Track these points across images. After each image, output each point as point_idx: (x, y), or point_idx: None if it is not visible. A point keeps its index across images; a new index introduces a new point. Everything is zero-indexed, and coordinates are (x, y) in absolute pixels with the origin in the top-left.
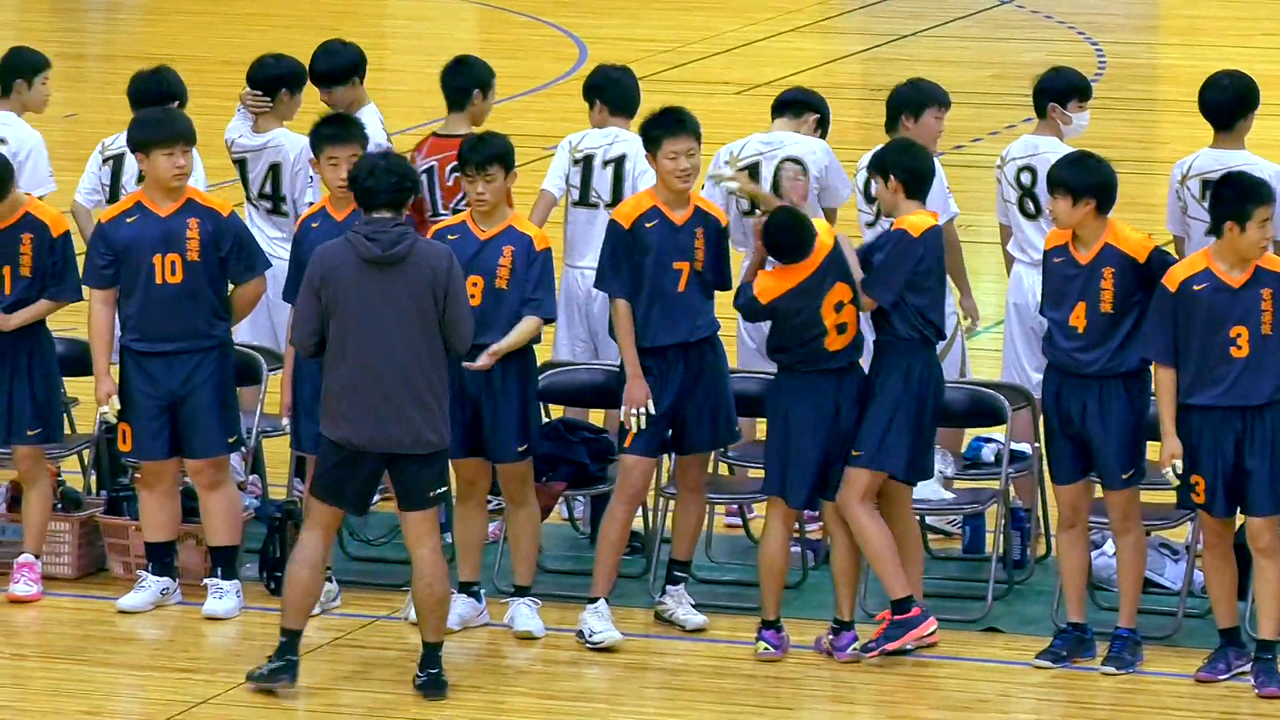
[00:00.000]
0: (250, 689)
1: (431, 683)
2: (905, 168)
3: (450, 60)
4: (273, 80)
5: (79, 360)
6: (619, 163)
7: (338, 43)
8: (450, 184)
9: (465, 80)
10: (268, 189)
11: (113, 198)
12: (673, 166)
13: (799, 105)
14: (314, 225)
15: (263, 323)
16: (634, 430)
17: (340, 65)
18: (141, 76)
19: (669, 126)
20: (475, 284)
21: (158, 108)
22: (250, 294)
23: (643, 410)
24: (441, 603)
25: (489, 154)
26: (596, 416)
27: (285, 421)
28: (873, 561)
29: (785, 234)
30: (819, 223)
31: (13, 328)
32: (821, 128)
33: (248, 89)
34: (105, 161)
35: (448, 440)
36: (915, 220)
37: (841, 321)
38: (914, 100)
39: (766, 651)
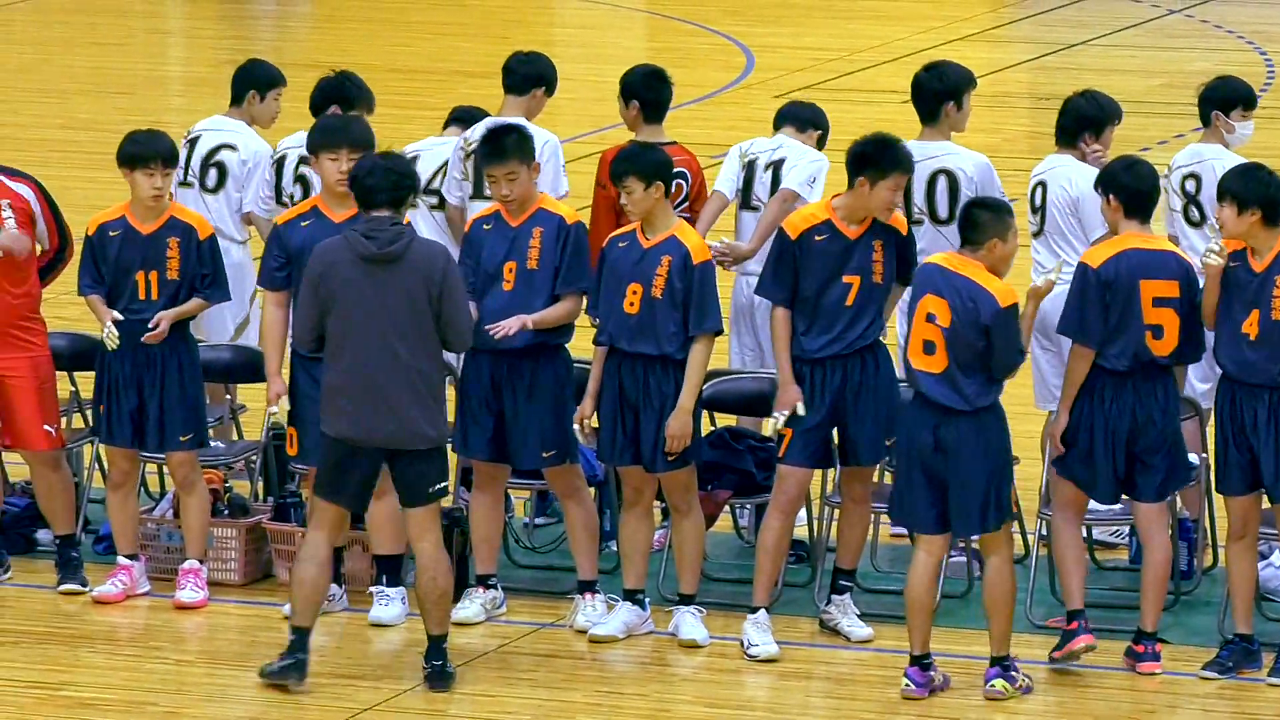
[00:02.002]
0: (262, 684)
1: (437, 674)
2: (1125, 187)
3: (653, 70)
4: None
5: (248, 366)
6: (778, 166)
7: (528, 54)
8: (672, 190)
9: (671, 91)
10: (436, 184)
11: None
12: (890, 199)
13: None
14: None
15: None
16: (779, 430)
17: (526, 74)
18: (324, 80)
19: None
20: (635, 291)
21: (339, 114)
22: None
23: (788, 412)
24: (444, 597)
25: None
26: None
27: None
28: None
29: None
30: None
31: (168, 322)
32: (821, 144)
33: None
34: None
35: (446, 436)
36: (1094, 252)
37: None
38: (1097, 117)
39: (908, 689)
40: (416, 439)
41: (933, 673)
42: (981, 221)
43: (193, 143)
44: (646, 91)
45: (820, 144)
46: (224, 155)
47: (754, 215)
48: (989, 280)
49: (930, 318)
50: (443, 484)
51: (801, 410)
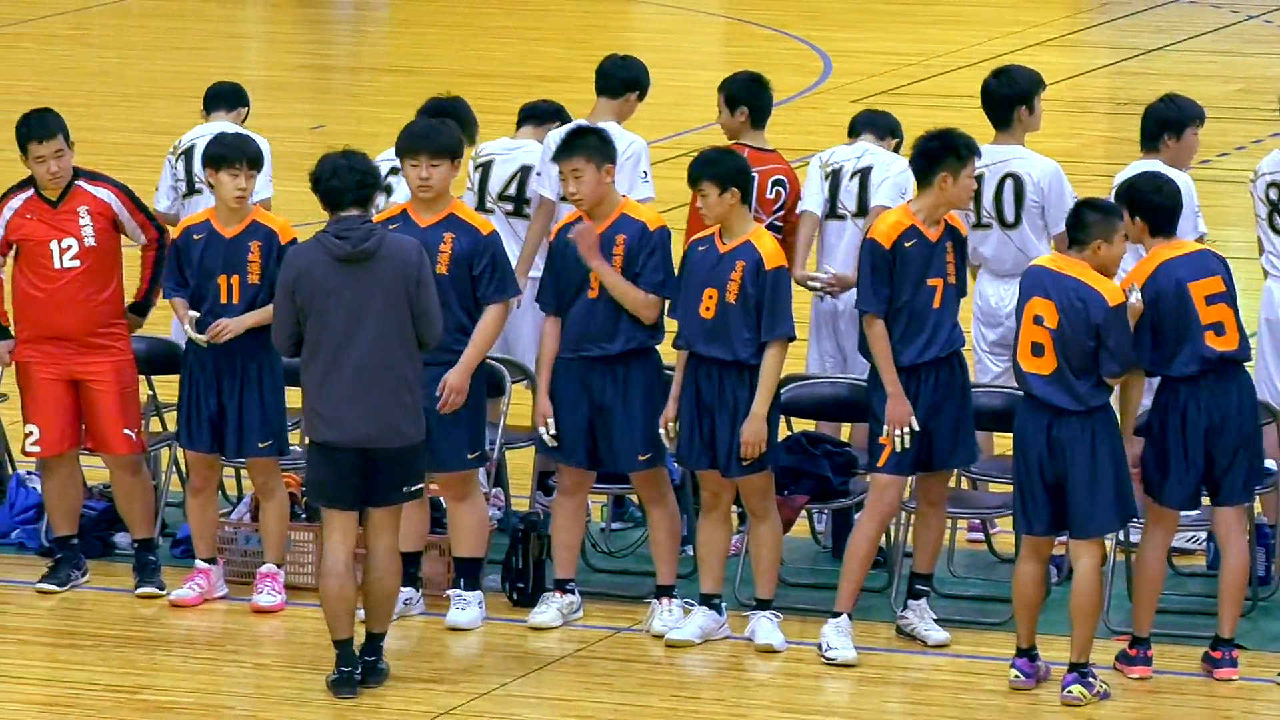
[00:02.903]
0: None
1: (370, 669)
2: (1150, 207)
3: (756, 77)
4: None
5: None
6: (865, 174)
7: (623, 58)
8: (770, 196)
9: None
10: (511, 191)
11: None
12: (973, 186)
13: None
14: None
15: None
16: (897, 450)
17: (623, 78)
18: (432, 101)
19: (969, 152)
20: (711, 296)
21: (426, 119)
22: (496, 317)
23: (906, 430)
24: (389, 597)
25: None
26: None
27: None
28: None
29: None
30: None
31: (245, 328)
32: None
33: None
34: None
35: (423, 434)
36: (1131, 278)
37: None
38: (1177, 119)
39: (1017, 680)
40: (396, 437)
41: (1039, 663)
42: (1089, 222)
43: (187, 153)
44: (753, 98)
45: (896, 152)
46: None
47: (839, 224)
48: (1097, 280)
49: (1038, 320)
50: (418, 486)
51: (915, 425)
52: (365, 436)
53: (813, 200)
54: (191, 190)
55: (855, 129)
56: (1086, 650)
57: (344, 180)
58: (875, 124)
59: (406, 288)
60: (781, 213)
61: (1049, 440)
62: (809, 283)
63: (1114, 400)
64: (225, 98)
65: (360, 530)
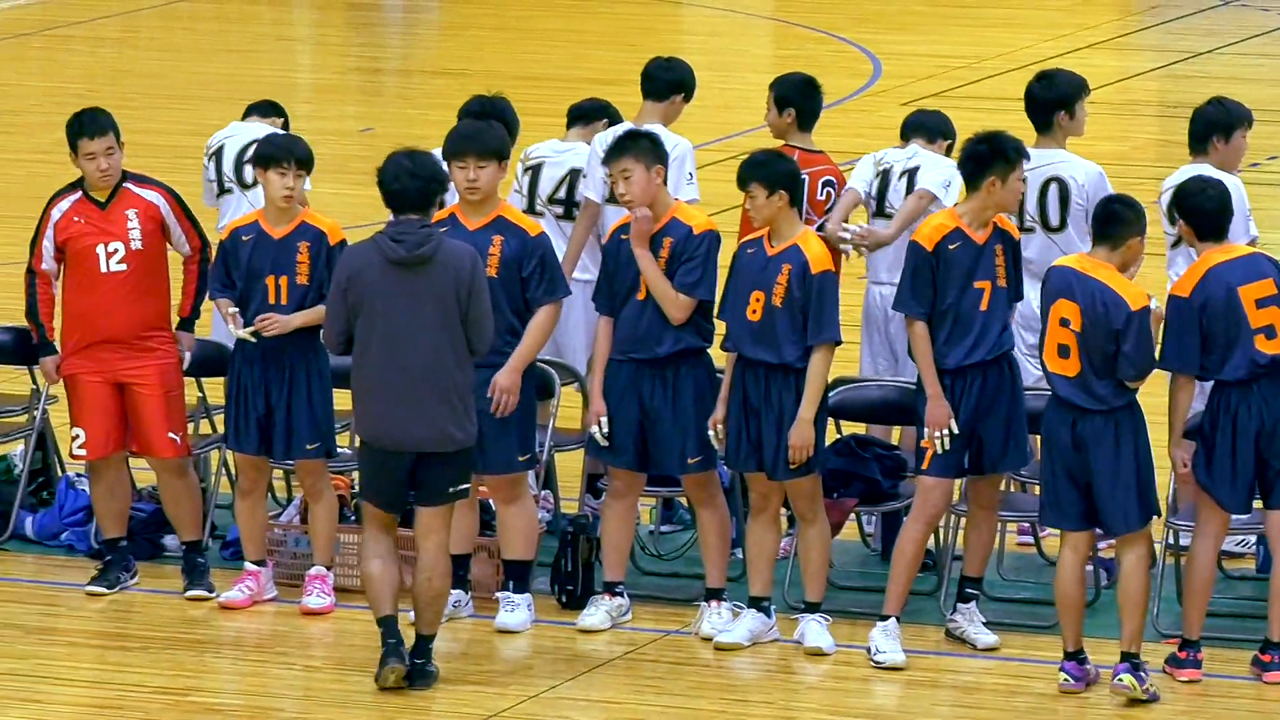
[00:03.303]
0: (388, 690)
1: (418, 672)
2: (1196, 211)
3: (807, 79)
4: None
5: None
6: (912, 174)
7: (668, 60)
8: (821, 198)
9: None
10: (561, 194)
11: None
12: (1021, 189)
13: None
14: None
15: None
16: (931, 452)
17: (668, 80)
18: (476, 99)
19: (1018, 155)
20: (758, 299)
21: (472, 120)
22: (547, 318)
23: (946, 432)
24: (438, 597)
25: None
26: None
27: None
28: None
29: None
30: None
31: (293, 328)
32: (949, 153)
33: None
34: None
35: (473, 438)
36: (1181, 283)
37: (1061, 342)
38: (1225, 121)
39: (1066, 683)
40: (444, 442)
41: (1088, 666)
42: (1125, 219)
43: (218, 154)
44: (803, 100)
45: (948, 153)
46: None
47: (886, 223)
48: (1121, 284)
49: (1064, 322)
50: (464, 486)
51: (955, 428)
52: (414, 440)
53: (859, 182)
54: (222, 190)
55: (906, 131)
56: (1137, 641)
57: (406, 184)
58: (926, 126)
59: (459, 294)
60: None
61: (1074, 437)
62: (840, 234)
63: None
64: (261, 107)
65: (408, 532)
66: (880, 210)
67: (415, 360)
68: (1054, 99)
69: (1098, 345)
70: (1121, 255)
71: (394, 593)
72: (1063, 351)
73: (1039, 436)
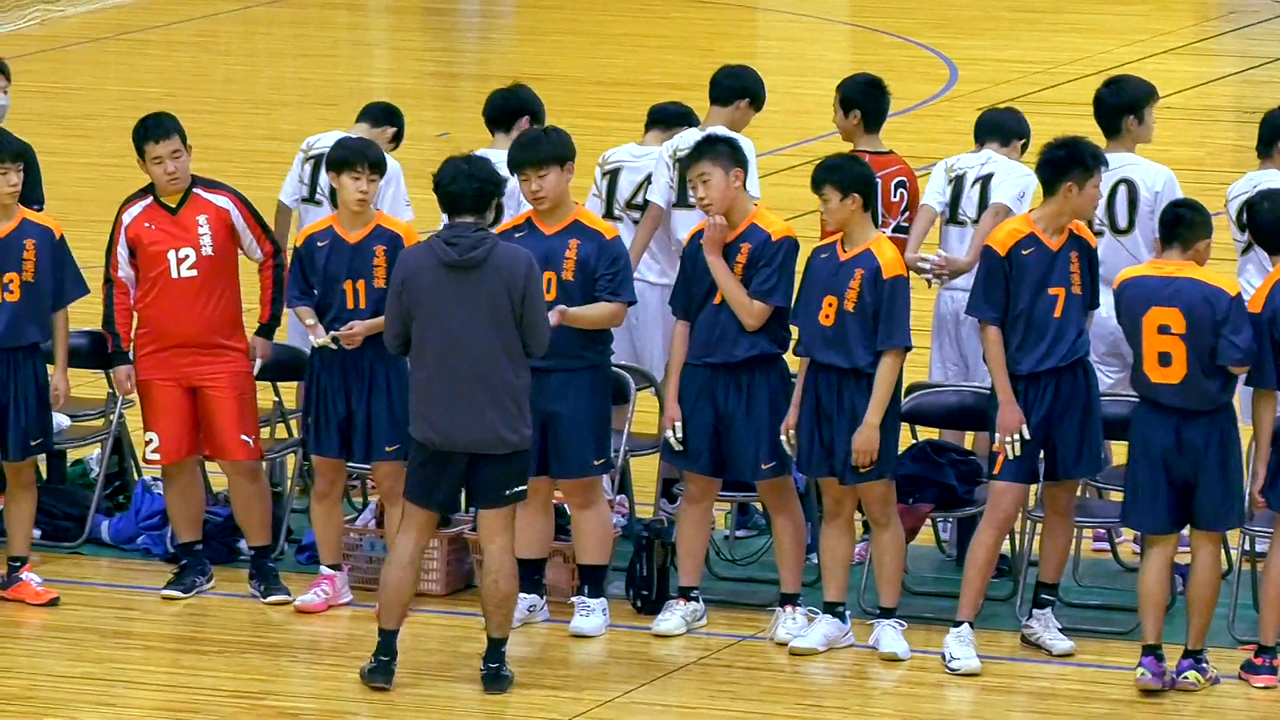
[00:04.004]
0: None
1: (491, 676)
2: (1258, 227)
3: (872, 80)
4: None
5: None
6: (986, 181)
7: (735, 67)
8: (895, 199)
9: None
10: (639, 199)
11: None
12: (1097, 197)
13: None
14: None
15: (625, 344)
16: (1002, 456)
17: (732, 87)
18: (502, 94)
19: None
20: (830, 303)
21: (532, 129)
22: (608, 308)
23: (1017, 437)
24: (506, 599)
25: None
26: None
27: None
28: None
29: None
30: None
31: (375, 331)
32: (1024, 151)
33: None
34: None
35: (528, 441)
36: (1254, 299)
37: (1163, 350)
38: None
39: (1144, 678)
40: (497, 444)
41: (1165, 665)
42: (1192, 222)
43: (317, 159)
44: (868, 101)
45: (1023, 152)
46: None
47: (960, 230)
48: (1212, 276)
49: (1163, 329)
50: (520, 488)
51: (1026, 433)
52: (467, 443)
53: (933, 197)
54: (311, 199)
55: (980, 133)
56: (1201, 638)
57: (462, 186)
58: (1001, 127)
59: (512, 298)
60: (908, 214)
61: (1179, 442)
62: (919, 264)
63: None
64: (374, 114)
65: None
66: (953, 218)
67: (468, 362)
68: (1123, 104)
69: (1204, 342)
70: (1192, 258)
71: (404, 607)
72: (1164, 360)
73: (1114, 442)
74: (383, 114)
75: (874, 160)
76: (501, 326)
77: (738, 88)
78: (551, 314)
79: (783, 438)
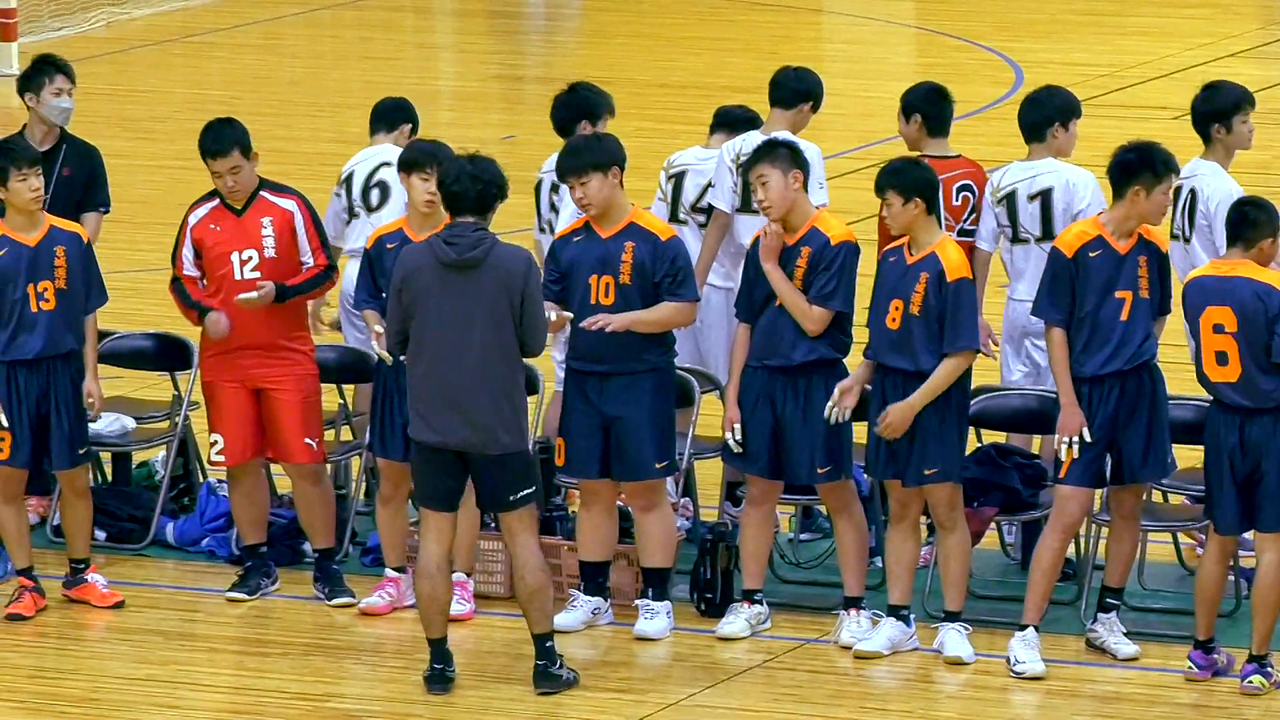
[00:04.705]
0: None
1: (541, 674)
2: None
3: (934, 87)
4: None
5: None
6: (1046, 196)
7: (796, 69)
8: (958, 203)
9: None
10: (704, 202)
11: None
12: (1165, 203)
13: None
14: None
15: (689, 347)
16: (1067, 459)
17: (795, 89)
18: (561, 97)
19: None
20: (897, 307)
21: (582, 135)
22: (672, 308)
23: (1077, 439)
24: (536, 594)
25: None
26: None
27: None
28: None
29: None
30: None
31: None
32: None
33: None
34: (554, 189)
35: (525, 443)
36: None
37: (1219, 349)
38: None
39: (1190, 670)
40: (490, 444)
41: (1216, 655)
42: (1257, 220)
43: (348, 180)
44: (928, 107)
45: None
46: (384, 174)
47: (1024, 248)
48: (1265, 274)
49: (1218, 328)
50: (526, 491)
51: (1088, 436)
52: (461, 441)
53: (986, 240)
54: (351, 216)
55: (1027, 132)
56: (1266, 643)
57: (464, 186)
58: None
59: (510, 298)
60: (973, 216)
61: (1241, 440)
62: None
63: None
64: (385, 116)
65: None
66: (1016, 237)
67: (465, 362)
68: (1209, 111)
69: (1258, 339)
70: (1255, 256)
71: (443, 613)
72: (1221, 359)
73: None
74: (394, 114)
75: (937, 164)
76: (499, 326)
77: (802, 90)
78: (549, 310)
79: (727, 435)
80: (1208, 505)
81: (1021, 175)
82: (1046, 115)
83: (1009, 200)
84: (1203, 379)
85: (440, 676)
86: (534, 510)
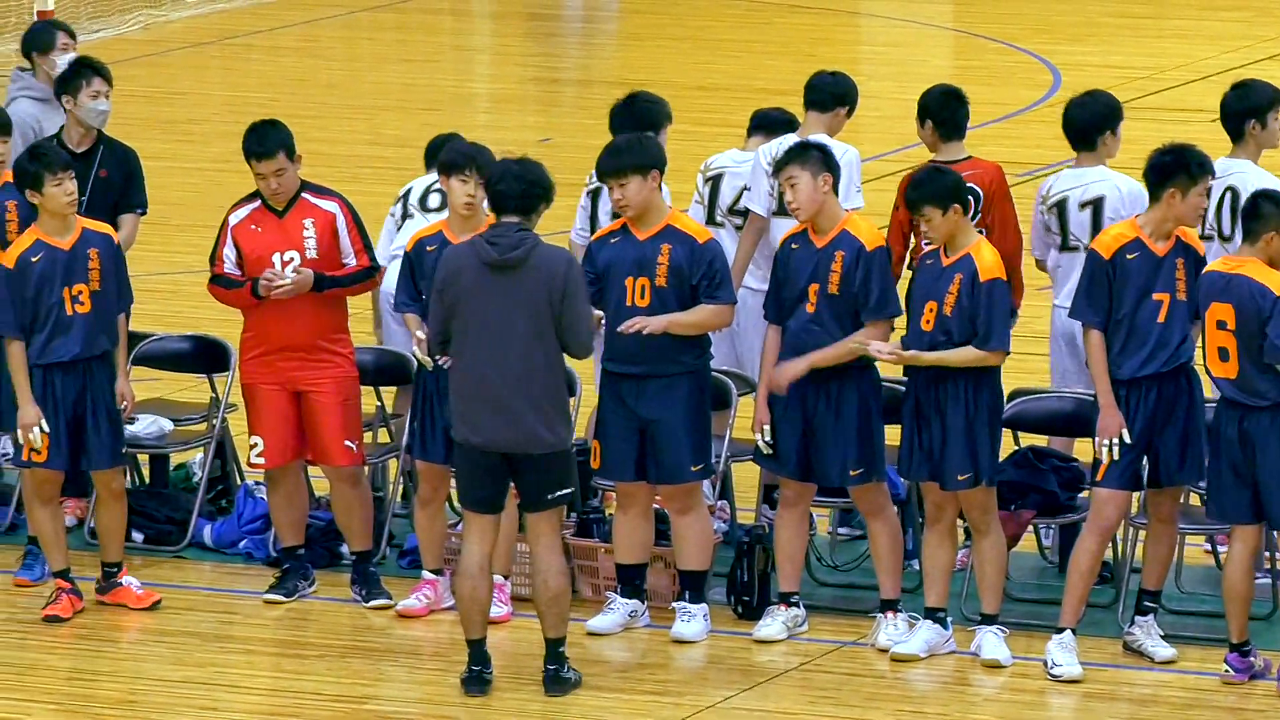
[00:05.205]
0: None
1: (552, 678)
2: None
3: (946, 90)
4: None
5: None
6: (1098, 205)
7: (832, 73)
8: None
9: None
10: (741, 205)
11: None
12: (1201, 205)
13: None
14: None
15: (725, 349)
16: (1106, 462)
17: (833, 92)
18: (617, 105)
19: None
20: (931, 309)
21: (632, 136)
22: (710, 311)
23: (1116, 441)
24: (556, 599)
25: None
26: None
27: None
28: None
29: None
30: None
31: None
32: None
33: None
34: (589, 195)
35: (566, 443)
36: None
37: (1221, 345)
38: None
39: (1227, 674)
40: (533, 444)
41: (1253, 658)
42: (1265, 214)
43: (406, 194)
44: (941, 110)
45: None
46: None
47: (1072, 256)
48: (1265, 273)
49: (1220, 324)
50: (563, 491)
51: (1127, 438)
52: (504, 441)
53: (1036, 243)
54: (405, 218)
55: (1073, 138)
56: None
57: (509, 186)
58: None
59: (551, 298)
60: (978, 219)
61: (1240, 433)
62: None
63: None
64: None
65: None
66: (1065, 244)
67: (506, 362)
68: (1244, 109)
69: (1252, 339)
70: (1263, 250)
71: (483, 614)
72: (1223, 355)
73: None
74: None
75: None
76: (540, 326)
77: (840, 94)
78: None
79: (757, 436)
80: (1208, 499)
81: (1072, 183)
82: (1097, 122)
83: (1059, 208)
84: (1208, 372)
85: (478, 679)
86: (561, 513)
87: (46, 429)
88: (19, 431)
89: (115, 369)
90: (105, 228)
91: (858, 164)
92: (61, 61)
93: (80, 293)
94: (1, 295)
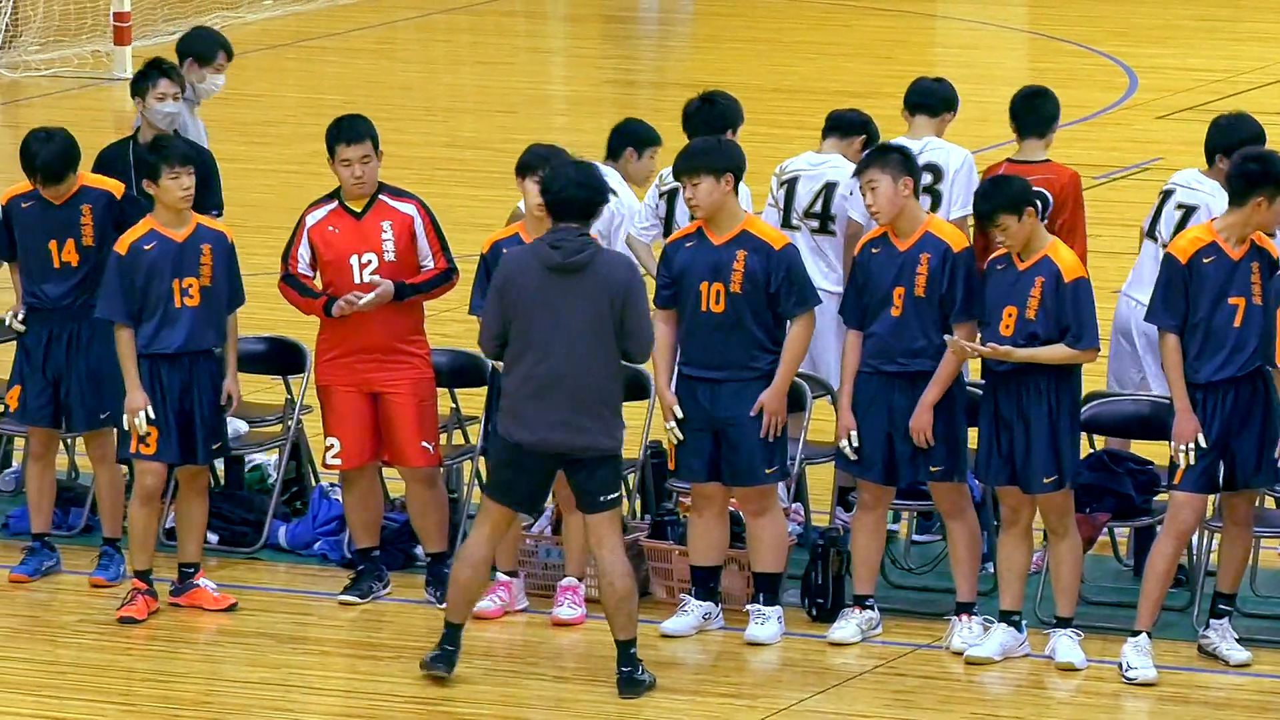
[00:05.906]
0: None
1: (624, 680)
2: None
3: (1031, 90)
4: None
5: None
6: (1190, 213)
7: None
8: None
9: (1052, 110)
10: (816, 208)
11: (665, 231)
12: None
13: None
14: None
15: None
16: (1183, 466)
17: (945, 97)
18: (689, 105)
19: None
20: (1010, 314)
21: (699, 139)
22: (802, 330)
23: (1191, 445)
24: (624, 600)
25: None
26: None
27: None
28: None
29: None
30: None
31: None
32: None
33: None
34: (661, 195)
35: (619, 447)
36: None
37: None
38: None
39: None
40: (587, 448)
41: None
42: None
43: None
44: (1024, 111)
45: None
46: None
47: (1154, 246)
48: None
49: None
50: (615, 494)
51: (1203, 442)
52: (557, 443)
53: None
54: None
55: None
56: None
57: (571, 193)
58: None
59: (612, 303)
60: (1044, 224)
61: None
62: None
63: None
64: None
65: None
66: (1151, 233)
67: (565, 365)
68: None
69: None
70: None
71: (470, 605)
72: None
73: None
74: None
75: (1021, 169)
76: (600, 331)
77: (948, 97)
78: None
79: (843, 442)
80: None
81: (1183, 181)
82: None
83: (1165, 197)
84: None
85: (447, 658)
86: (620, 514)
87: (154, 415)
88: (125, 417)
89: (223, 367)
90: (222, 226)
91: (972, 169)
92: (210, 80)
93: (190, 286)
94: (111, 282)
